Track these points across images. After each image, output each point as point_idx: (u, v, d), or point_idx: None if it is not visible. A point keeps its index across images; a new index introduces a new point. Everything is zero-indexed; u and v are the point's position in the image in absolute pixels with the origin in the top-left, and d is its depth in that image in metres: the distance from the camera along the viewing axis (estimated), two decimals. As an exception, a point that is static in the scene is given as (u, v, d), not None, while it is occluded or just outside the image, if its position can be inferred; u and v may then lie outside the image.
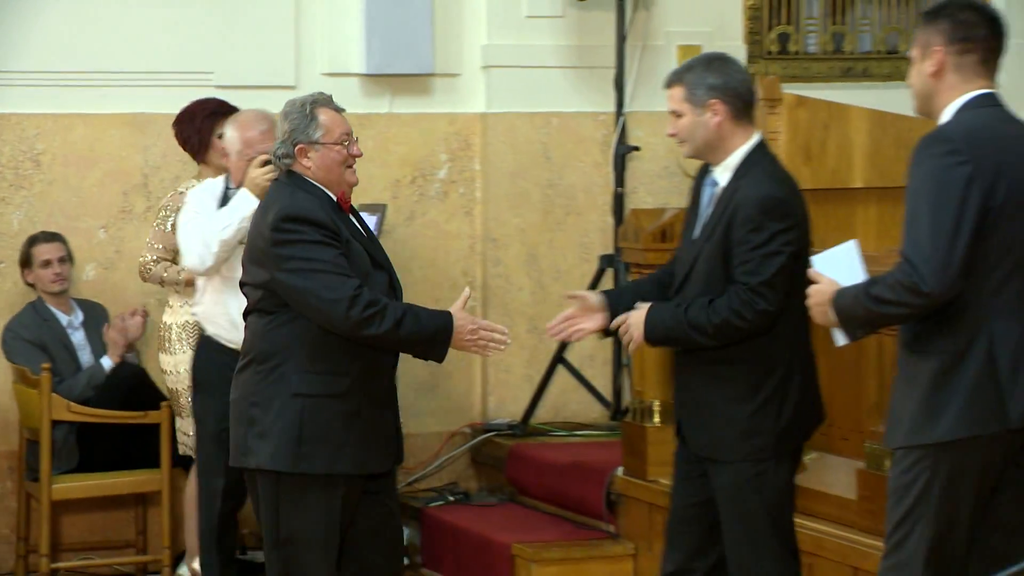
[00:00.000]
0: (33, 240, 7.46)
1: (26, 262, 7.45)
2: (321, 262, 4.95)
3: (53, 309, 7.45)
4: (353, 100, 7.95)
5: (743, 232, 4.98)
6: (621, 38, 7.94)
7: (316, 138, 5.09)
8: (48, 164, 7.69)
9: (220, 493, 6.48)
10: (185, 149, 7.08)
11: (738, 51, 8.20)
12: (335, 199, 5.13)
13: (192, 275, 6.60)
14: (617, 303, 5.27)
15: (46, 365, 7.08)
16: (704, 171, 5.27)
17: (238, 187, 6.36)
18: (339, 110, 5.19)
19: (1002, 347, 4.38)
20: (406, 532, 7.59)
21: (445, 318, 5.09)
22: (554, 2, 8.17)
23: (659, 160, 8.16)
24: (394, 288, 5.18)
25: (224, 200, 6.45)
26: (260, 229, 5.08)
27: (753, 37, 8.58)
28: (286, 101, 5.22)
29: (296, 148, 5.09)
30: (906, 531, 4.49)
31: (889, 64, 8.84)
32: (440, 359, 5.18)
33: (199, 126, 6.76)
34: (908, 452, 4.48)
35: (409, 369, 7.19)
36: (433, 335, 5.05)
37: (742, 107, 5.10)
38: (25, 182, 7.68)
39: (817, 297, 4.59)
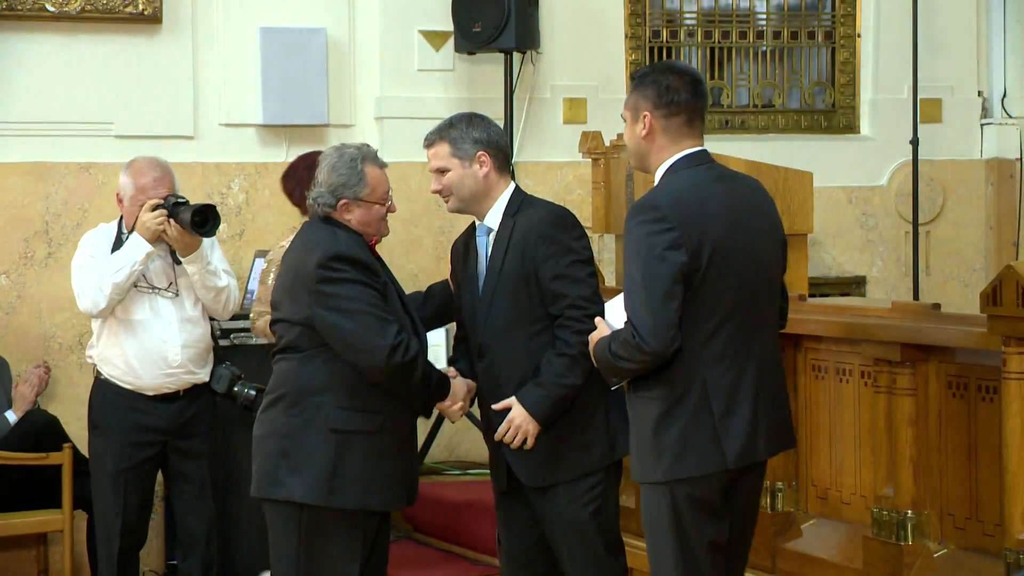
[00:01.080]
0: (-64, 290, 7.53)
1: (-72, 311, 7.52)
2: (365, 303, 5.02)
3: (-45, 358, 7.51)
4: (250, 150, 8.20)
5: (544, 248, 5.23)
6: (509, 91, 8.19)
7: (362, 196, 5.17)
8: (-50, 212, 7.78)
9: (119, 533, 6.58)
10: (292, 202, 6.93)
11: (621, 104, 8.43)
12: (368, 243, 5.22)
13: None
14: (458, 360, 5.48)
15: (-52, 409, 7.17)
16: (471, 229, 5.51)
17: (130, 232, 6.47)
18: (383, 166, 5.27)
19: (715, 394, 4.74)
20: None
21: (447, 382, 5.27)
22: (445, 56, 8.40)
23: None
24: (417, 331, 5.23)
25: (118, 244, 6.54)
26: (303, 266, 5.10)
27: (635, 90, 8.81)
28: (331, 147, 5.30)
29: (340, 202, 5.16)
30: (662, 560, 4.84)
31: (765, 117, 9.14)
32: (429, 415, 5.36)
33: (299, 178, 6.59)
34: (646, 488, 4.86)
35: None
36: (437, 393, 5.24)
37: (503, 159, 5.41)
38: (-73, 229, 7.76)
39: (590, 342, 4.95)
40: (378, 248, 5.34)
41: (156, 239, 6.39)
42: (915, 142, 8.73)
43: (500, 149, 5.40)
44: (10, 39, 7.85)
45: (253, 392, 6.51)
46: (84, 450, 7.56)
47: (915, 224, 8.86)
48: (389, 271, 5.31)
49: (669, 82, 4.82)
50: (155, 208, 6.35)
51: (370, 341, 5.01)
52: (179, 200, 6.43)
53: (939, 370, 5.58)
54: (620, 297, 4.95)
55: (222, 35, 8.16)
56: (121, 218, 6.62)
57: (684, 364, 4.72)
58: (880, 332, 5.68)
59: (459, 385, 5.33)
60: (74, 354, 7.91)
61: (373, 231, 5.23)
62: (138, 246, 6.39)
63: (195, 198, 8.00)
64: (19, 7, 7.80)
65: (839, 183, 9.05)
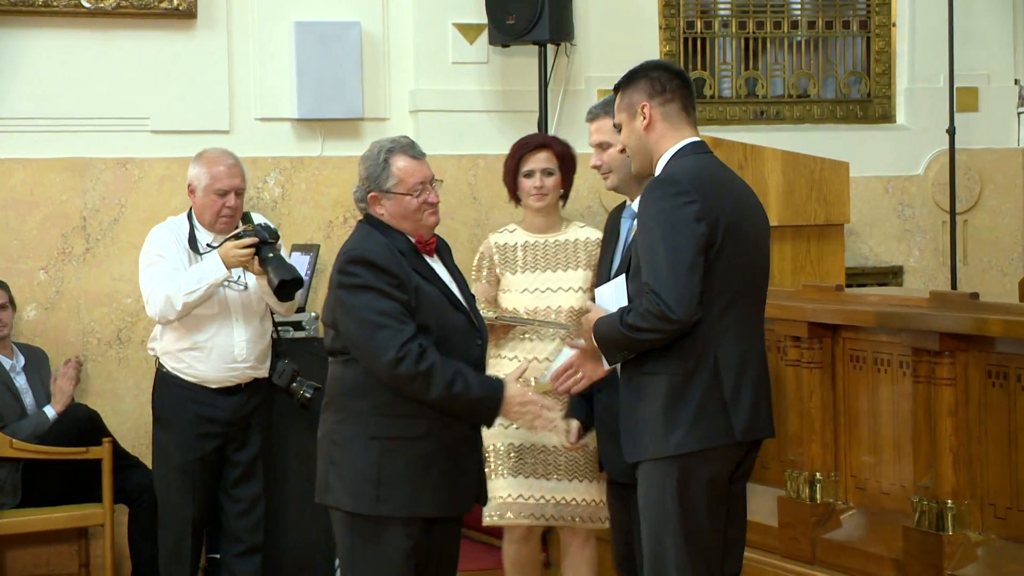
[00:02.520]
0: (-25, 287, 7.53)
1: (-32, 308, 7.52)
2: (374, 311, 4.85)
3: (-4, 353, 7.56)
4: (285, 144, 8.21)
5: None
6: (544, 83, 8.17)
7: (388, 187, 5.01)
8: (-12, 208, 7.83)
9: (190, 522, 6.67)
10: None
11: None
12: (413, 241, 5.04)
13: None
14: None
15: (-11, 405, 7.20)
16: (620, 208, 5.54)
17: (204, 225, 6.56)
18: (418, 156, 5.07)
19: (725, 368, 4.77)
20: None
21: (495, 387, 4.97)
22: (479, 49, 8.39)
23: (582, 200, 8.36)
24: (477, 328, 5.09)
25: (192, 240, 6.60)
26: (333, 270, 5.01)
27: (670, 81, 8.81)
28: (373, 141, 5.19)
29: (369, 196, 5.04)
30: (660, 541, 4.80)
31: (800, 107, 9.12)
32: (488, 424, 5.10)
33: (509, 166, 6.27)
34: (651, 466, 4.82)
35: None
36: (479, 401, 4.93)
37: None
38: (-34, 225, 7.80)
39: (585, 324, 4.94)
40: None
41: (234, 267, 6.43)
42: (951, 131, 8.70)
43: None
44: (47, 35, 7.87)
45: (311, 392, 6.55)
46: (124, 444, 7.62)
47: (952, 213, 8.82)
48: (452, 263, 5.20)
49: (657, 75, 4.93)
50: (247, 246, 6.34)
51: (373, 351, 4.85)
52: (269, 241, 6.39)
53: (978, 360, 5.57)
54: (610, 284, 4.98)
55: (257, 29, 8.17)
56: (191, 211, 6.67)
57: (698, 338, 4.74)
58: (918, 322, 5.67)
59: (515, 392, 5.01)
60: (112, 349, 7.94)
61: (411, 225, 5.03)
62: (216, 269, 6.41)
63: (232, 192, 8.08)
64: (55, 4, 7.83)
65: (875, 173, 9.02)
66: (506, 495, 5.90)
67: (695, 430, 4.74)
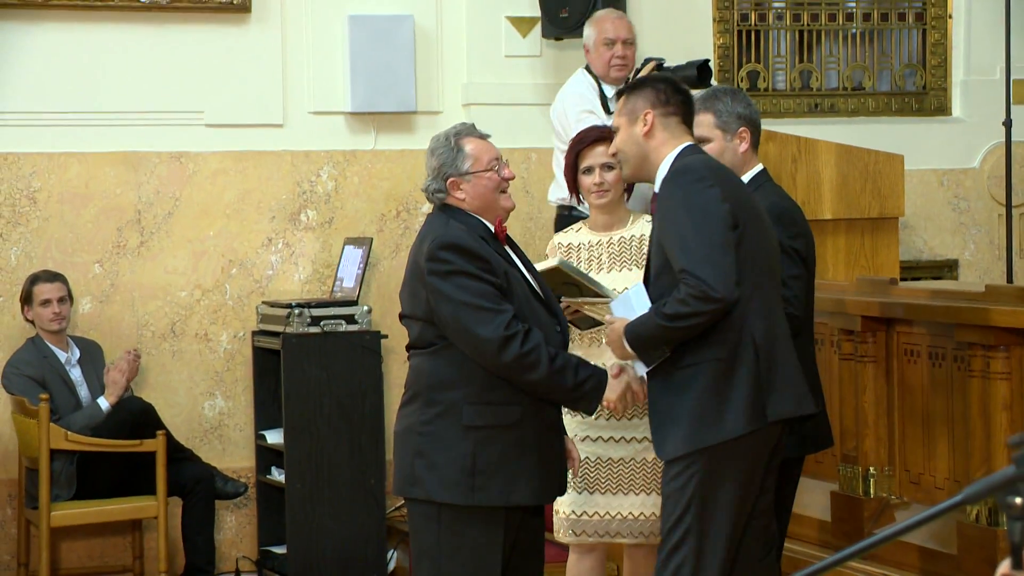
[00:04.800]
0: (35, 279, 7.57)
1: (27, 299, 7.57)
2: (472, 294, 4.82)
3: (51, 346, 7.58)
4: (338, 137, 8.24)
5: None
6: (597, 76, 8.17)
7: (465, 169, 4.97)
8: (44, 201, 7.86)
9: None
10: None
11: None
12: (492, 229, 5.02)
13: None
14: None
15: (44, 396, 7.22)
16: None
17: (604, 80, 7.31)
18: (484, 137, 5.07)
19: (761, 348, 4.76)
20: (395, 556, 7.80)
21: (599, 369, 4.98)
22: (532, 42, 8.40)
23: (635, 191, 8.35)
24: (555, 315, 5.06)
25: (601, 96, 7.26)
26: (417, 260, 4.95)
27: (723, 74, 8.78)
28: (431, 137, 5.17)
29: (448, 182, 4.98)
30: (684, 531, 4.78)
31: (855, 100, 9.08)
32: (589, 412, 5.09)
33: (568, 162, 5.91)
34: (684, 462, 4.78)
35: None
36: (584, 382, 4.90)
37: (757, 139, 5.46)
38: (22, 219, 7.84)
39: (611, 335, 4.92)
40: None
41: None
42: (1008, 123, 8.62)
43: (757, 128, 5.45)
44: (102, 30, 7.93)
45: None
46: (178, 437, 7.66)
47: (1008, 206, 8.76)
48: (525, 256, 5.17)
49: (662, 87, 5.01)
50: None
51: (479, 335, 4.80)
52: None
53: (1034, 354, 5.53)
54: (625, 294, 4.96)
55: (310, 23, 8.20)
56: (587, 67, 7.47)
57: (735, 320, 4.73)
58: (973, 316, 5.63)
59: (615, 384, 5.03)
60: (166, 342, 7.99)
61: (493, 206, 5.00)
62: None
63: (284, 186, 8.13)
64: (110, -2, 7.89)
65: (930, 166, 8.97)
66: (569, 511, 5.83)
67: (747, 412, 4.72)
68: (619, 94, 5.13)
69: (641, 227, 5.78)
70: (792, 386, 4.82)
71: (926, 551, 5.87)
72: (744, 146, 5.38)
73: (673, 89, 5.02)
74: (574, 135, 5.91)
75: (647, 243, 5.95)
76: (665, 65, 7.24)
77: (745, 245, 4.76)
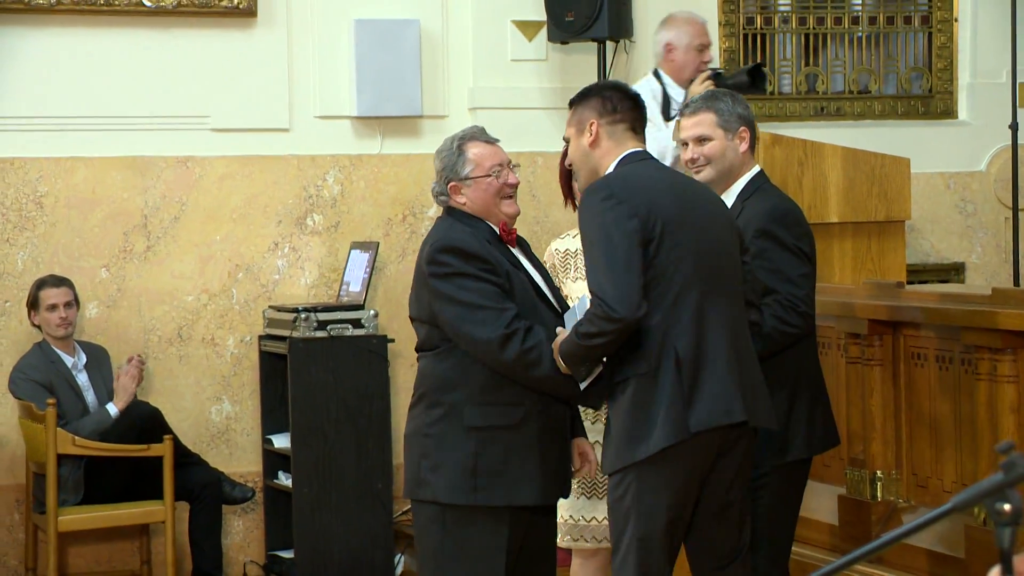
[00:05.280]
0: (41, 284, 7.57)
1: (33, 304, 7.57)
2: (474, 295, 4.86)
3: (58, 351, 7.59)
4: (344, 142, 8.24)
5: (757, 243, 5.19)
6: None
7: (465, 173, 5.02)
8: (51, 206, 7.86)
9: None
10: None
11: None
12: (497, 231, 5.05)
13: None
14: None
15: (51, 401, 7.22)
16: None
17: (680, 84, 7.05)
18: (491, 141, 5.10)
19: (684, 360, 4.72)
20: (403, 560, 7.81)
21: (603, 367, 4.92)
22: (538, 46, 8.40)
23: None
24: (562, 320, 5.02)
25: (665, 102, 6.96)
26: (420, 263, 5.00)
27: (729, 78, 8.80)
28: (444, 138, 5.21)
29: (449, 186, 5.04)
30: (628, 542, 4.75)
31: (861, 103, 9.07)
32: (596, 407, 5.14)
33: (562, 168, 5.93)
34: (620, 475, 4.77)
35: (403, 401, 7.37)
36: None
37: (754, 140, 5.45)
38: (29, 224, 7.85)
39: (555, 349, 4.90)
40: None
41: None
42: (1014, 127, 8.62)
43: (755, 130, 5.46)
44: (108, 34, 7.93)
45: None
46: (185, 442, 7.67)
47: (1015, 209, 8.75)
48: (535, 257, 5.19)
49: (609, 95, 5.01)
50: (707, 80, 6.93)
51: (480, 334, 4.83)
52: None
53: (1041, 357, 5.53)
54: (575, 307, 4.95)
55: (316, 28, 8.20)
56: (656, 71, 7.23)
57: (656, 333, 4.71)
58: (980, 319, 5.63)
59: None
60: (173, 347, 7.99)
61: (494, 211, 5.03)
62: None
63: (290, 190, 8.14)
64: (116, 3, 7.88)
65: (937, 169, 8.97)
66: (568, 516, 5.84)
67: (666, 427, 4.67)
68: (570, 103, 5.09)
69: None
70: (718, 396, 4.72)
71: (934, 555, 5.86)
72: (744, 146, 5.38)
73: (621, 95, 5.00)
74: None
75: None
76: (721, 73, 7.14)
77: (663, 255, 4.72)
